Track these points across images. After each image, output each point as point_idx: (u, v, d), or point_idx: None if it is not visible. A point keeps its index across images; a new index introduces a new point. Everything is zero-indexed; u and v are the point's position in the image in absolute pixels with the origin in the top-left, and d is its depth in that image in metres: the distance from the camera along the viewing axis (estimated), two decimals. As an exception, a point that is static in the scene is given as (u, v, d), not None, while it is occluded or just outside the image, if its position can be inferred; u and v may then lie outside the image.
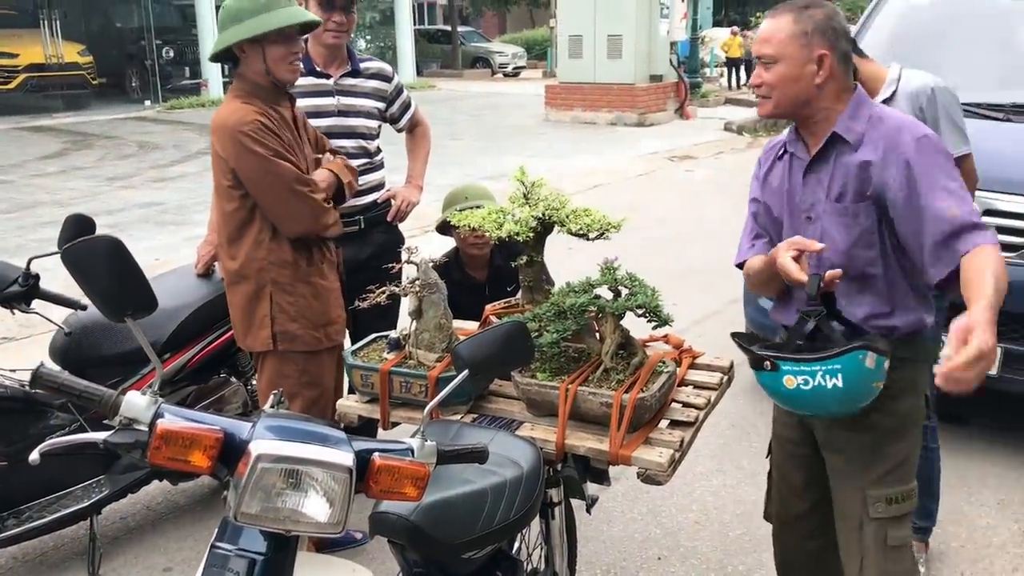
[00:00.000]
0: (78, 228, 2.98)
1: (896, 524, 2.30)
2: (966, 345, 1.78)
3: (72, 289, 3.61)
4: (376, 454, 1.61)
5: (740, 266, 2.51)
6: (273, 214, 2.79)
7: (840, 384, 2.02)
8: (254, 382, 3.66)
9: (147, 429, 1.51)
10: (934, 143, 2.14)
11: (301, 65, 2.84)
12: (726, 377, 2.68)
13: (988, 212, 3.89)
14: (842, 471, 2.36)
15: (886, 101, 3.09)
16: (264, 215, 2.80)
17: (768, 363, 2.10)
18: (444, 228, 3.50)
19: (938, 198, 2.07)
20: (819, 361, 2.03)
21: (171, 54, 20.33)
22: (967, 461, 4.10)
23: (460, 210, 3.00)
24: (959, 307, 3.27)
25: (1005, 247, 3.85)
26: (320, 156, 3.05)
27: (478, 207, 2.91)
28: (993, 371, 3.88)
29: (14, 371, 3.16)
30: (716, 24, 32.32)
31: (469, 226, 2.68)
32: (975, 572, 3.32)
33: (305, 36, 3.03)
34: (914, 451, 2.36)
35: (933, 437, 3.27)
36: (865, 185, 2.17)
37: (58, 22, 18.18)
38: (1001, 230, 3.89)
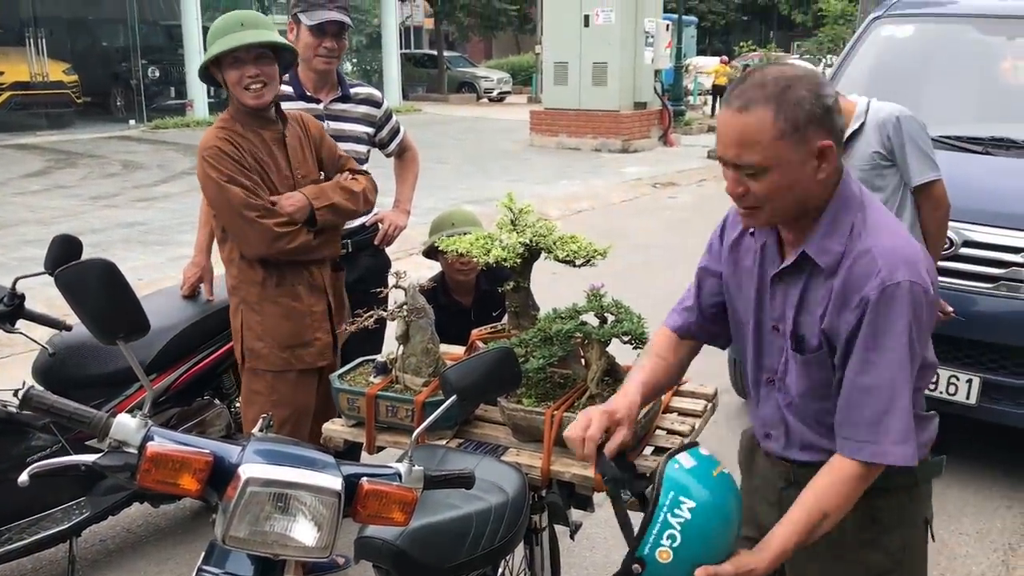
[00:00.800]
0: (65, 249, 2.98)
1: None
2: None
3: (56, 309, 3.60)
4: (364, 479, 1.62)
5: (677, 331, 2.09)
6: (231, 236, 2.92)
7: (693, 512, 1.67)
8: (237, 404, 3.66)
9: (137, 452, 1.52)
10: (910, 299, 1.65)
11: (263, 88, 2.81)
12: (710, 404, 2.70)
13: (967, 244, 3.95)
14: None
15: (854, 134, 3.16)
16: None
17: (637, 567, 1.77)
18: (431, 253, 3.52)
19: (861, 372, 1.69)
20: (654, 521, 1.74)
21: (156, 74, 20.32)
22: (946, 490, 4.12)
23: (447, 236, 3.03)
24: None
25: (981, 278, 3.95)
26: (321, 175, 3.07)
27: (465, 233, 2.94)
28: (972, 400, 3.94)
29: (-4, 391, 3.14)
30: (700, 53, 32.65)
31: (456, 252, 2.70)
32: (954, 600, 3.35)
33: (290, 61, 3.04)
34: None
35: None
36: (825, 330, 1.75)
37: (44, 40, 18.13)
38: (979, 261, 3.96)
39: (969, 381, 3.94)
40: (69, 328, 3.21)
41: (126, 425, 1.53)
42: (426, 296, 3.11)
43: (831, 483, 1.70)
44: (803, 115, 1.62)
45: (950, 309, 3.39)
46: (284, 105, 3.04)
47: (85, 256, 2.99)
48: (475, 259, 2.75)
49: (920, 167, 3.13)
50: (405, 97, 25.22)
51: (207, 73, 2.87)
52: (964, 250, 3.96)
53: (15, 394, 3.06)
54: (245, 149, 2.83)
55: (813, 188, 1.69)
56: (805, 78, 1.65)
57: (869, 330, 1.66)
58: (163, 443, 1.52)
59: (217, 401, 3.65)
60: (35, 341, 3.26)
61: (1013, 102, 5.02)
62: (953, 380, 3.97)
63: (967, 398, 3.96)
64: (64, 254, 2.97)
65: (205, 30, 19.09)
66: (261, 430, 1.70)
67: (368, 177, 3.18)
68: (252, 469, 1.51)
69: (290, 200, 2.88)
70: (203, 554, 1.66)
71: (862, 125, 3.17)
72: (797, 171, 1.65)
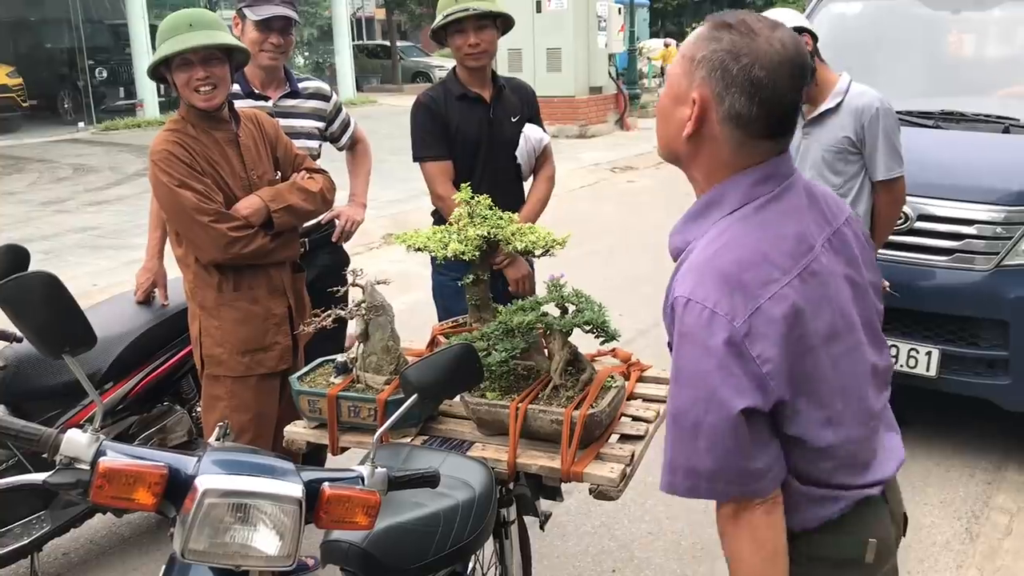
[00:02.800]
0: (11, 259, 2.91)
1: None
2: None
3: (5, 321, 3.52)
4: (326, 484, 1.59)
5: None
6: (186, 241, 2.87)
7: None
8: (198, 409, 3.60)
9: (89, 468, 1.47)
10: (688, 318, 1.42)
11: (213, 90, 2.75)
12: (674, 389, 2.69)
13: (921, 217, 3.99)
14: None
15: (829, 111, 3.17)
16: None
17: None
18: (437, 35, 3.50)
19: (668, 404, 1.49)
20: None
21: (104, 74, 19.89)
22: (909, 461, 4.14)
23: (448, 16, 3.31)
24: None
25: (937, 251, 3.99)
26: (277, 175, 3.02)
27: (466, 11, 3.26)
28: (932, 372, 3.99)
29: (-54, 407, 3.06)
30: (653, 35, 32.74)
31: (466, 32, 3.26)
32: (922, 571, 3.39)
33: (242, 61, 2.98)
34: None
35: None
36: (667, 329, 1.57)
37: (-15, 43, 17.74)
38: (934, 234, 4.00)
39: (928, 353, 3.99)
40: (20, 339, 3.13)
41: (76, 441, 1.49)
42: (440, 89, 3.47)
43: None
44: (706, 57, 1.44)
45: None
46: (235, 104, 2.98)
47: (36, 265, 2.92)
48: (480, 42, 3.31)
49: (888, 162, 3.14)
50: (359, 89, 25.00)
51: (157, 72, 2.81)
52: (919, 224, 4.00)
53: (-34, 409, 2.99)
54: (197, 152, 2.77)
55: (676, 136, 1.53)
56: (759, 38, 1.42)
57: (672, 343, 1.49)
58: (116, 458, 1.48)
59: (177, 407, 3.58)
60: (-16, 354, 3.19)
61: (961, 75, 5.08)
62: (913, 353, 4.02)
63: (927, 370, 4.01)
64: (11, 264, 2.89)
65: (152, 28, 18.78)
66: (218, 439, 1.67)
67: (325, 175, 3.13)
68: (209, 480, 1.48)
69: (246, 204, 2.83)
70: (163, 568, 1.62)
71: (839, 104, 3.17)
72: (671, 102, 1.51)
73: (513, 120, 3.54)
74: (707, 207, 1.55)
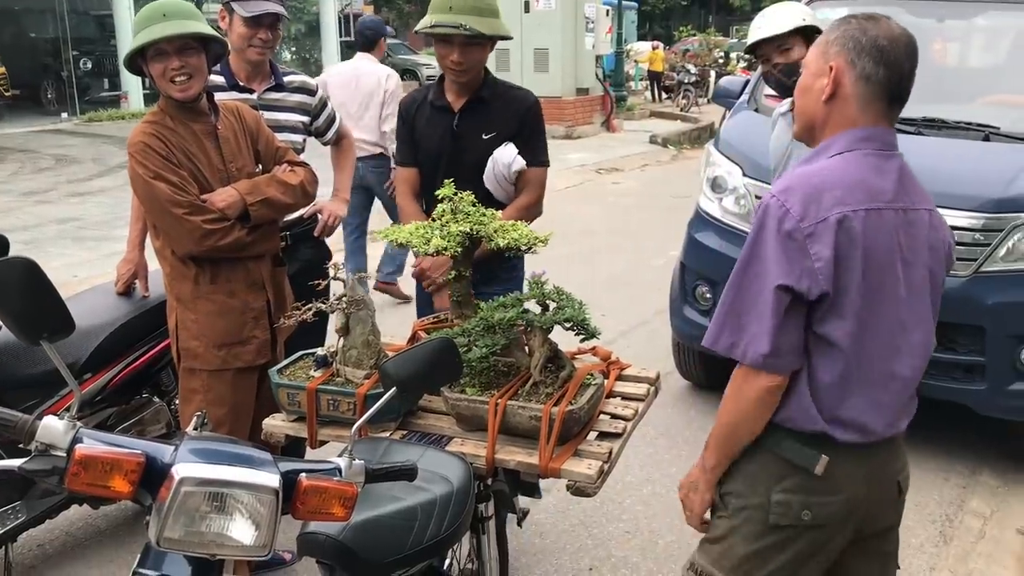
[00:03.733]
0: (-10, 247, 2.89)
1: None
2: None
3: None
4: (303, 475, 1.59)
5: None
6: (162, 233, 2.85)
7: None
8: (178, 402, 3.58)
9: (65, 455, 1.47)
10: (763, 210, 1.81)
11: (189, 80, 2.72)
12: (653, 388, 2.71)
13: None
14: None
15: None
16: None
17: None
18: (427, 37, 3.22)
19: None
20: None
21: (89, 65, 19.78)
22: (886, 464, 4.22)
23: (436, 27, 2.99)
24: None
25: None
26: (258, 168, 3.00)
27: (457, 27, 2.92)
28: (909, 376, 4.02)
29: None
30: (641, 38, 32.80)
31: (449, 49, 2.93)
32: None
33: (219, 52, 2.93)
34: (737, 547, 1.95)
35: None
36: None
37: (-33, 32, 17.60)
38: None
39: (906, 358, 4.02)
40: (-2, 328, 3.12)
41: (53, 428, 1.48)
42: (421, 92, 3.19)
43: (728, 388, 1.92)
44: (839, 36, 1.84)
45: None
46: (217, 96, 2.97)
47: (14, 254, 2.90)
48: (465, 62, 2.99)
49: None
50: (346, 86, 24.91)
51: (135, 64, 2.79)
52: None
53: (-57, 398, 2.97)
54: (174, 144, 2.75)
55: (815, 103, 1.88)
56: (882, 23, 1.83)
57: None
58: (92, 445, 1.48)
59: (156, 399, 3.57)
60: (-38, 343, 3.16)
61: (944, 83, 5.12)
62: (890, 357, 4.05)
63: (904, 374, 4.04)
64: (-11, 253, 2.88)
65: (138, 20, 18.66)
66: (196, 428, 1.67)
67: (307, 169, 3.11)
68: (186, 468, 1.48)
69: (221, 196, 2.79)
70: (139, 556, 1.62)
71: None
72: (812, 79, 1.88)
73: (485, 137, 3.09)
74: (817, 153, 1.89)
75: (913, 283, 1.86)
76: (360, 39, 6.45)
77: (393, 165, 5.53)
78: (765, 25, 3.09)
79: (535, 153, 3.17)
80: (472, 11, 2.96)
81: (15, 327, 1.55)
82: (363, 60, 6.32)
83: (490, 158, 3.10)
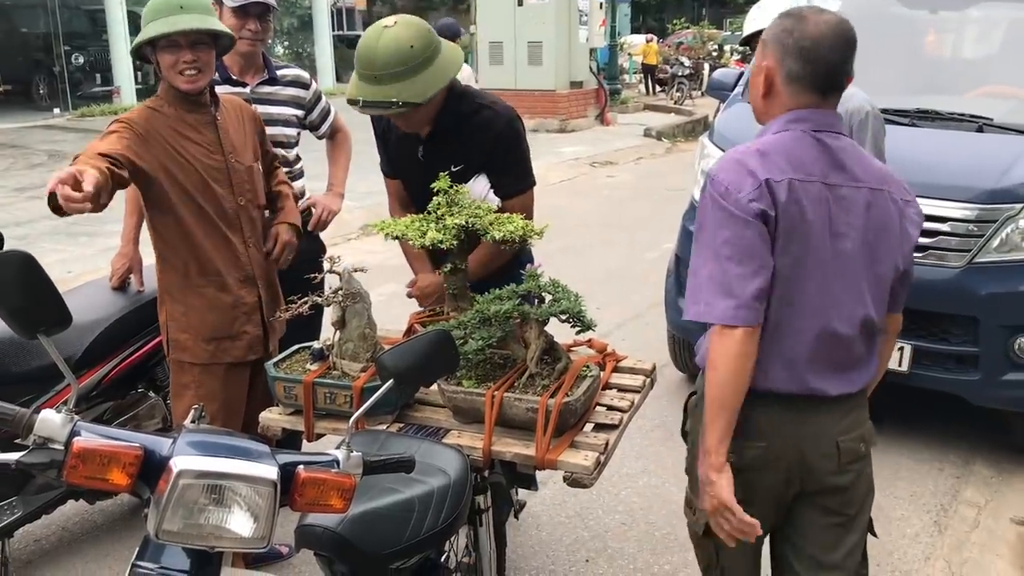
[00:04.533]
0: (-15, 242, 2.88)
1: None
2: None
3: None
4: (301, 467, 1.60)
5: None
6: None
7: None
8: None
9: (63, 448, 1.47)
10: (710, 189, 1.97)
11: (199, 74, 2.71)
12: (649, 380, 2.72)
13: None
14: None
15: None
16: (152, 220, 2.82)
17: None
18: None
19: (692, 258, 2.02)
20: None
21: (81, 60, 19.65)
22: (881, 455, 4.20)
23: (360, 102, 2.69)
24: None
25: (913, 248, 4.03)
26: (257, 166, 2.99)
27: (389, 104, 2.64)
28: (904, 368, 4.04)
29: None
30: (635, 31, 32.77)
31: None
32: (891, 563, 3.44)
33: (227, 46, 2.89)
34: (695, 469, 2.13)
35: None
36: None
37: (-42, 28, 17.48)
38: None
39: (901, 349, 4.04)
40: (-8, 323, 3.11)
41: (51, 421, 1.49)
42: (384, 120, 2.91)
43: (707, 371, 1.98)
44: (772, 37, 2.02)
45: None
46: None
47: (7, 249, 2.90)
48: (412, 127, 2.78)
49: None
50: (339, 79, 24.86)
51: (140, 51, 2.75)
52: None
53: (-62, 394, 2.97)
54: (163, 124, 2.72)
55: (756, 97, 2.09)
56: (808, 20, 1.98)
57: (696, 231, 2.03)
58: (90, 438, 1.48)
59: (152, 394, 3.56)
60: (-43, 338, 3.15)
61: (937, 74, 5.14)
62: (885, 348, 4.07)
63: (899, 365, 4.06)
64: (-16, 248, 2.87)
65: (130, 14, 18.62)
66: (193, 421, 1.67)
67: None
68: (184, 461, 1.48)
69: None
70: (137, 549, 1.62)
71: None
72: (755, 73, 2.07)
73: (453, 169, 2.79)
74: (759, 136, 2.06)
75: (842, 253, 1.98)
76: (442, 36, 6.80)
77: None
78: (761, 16, 3.10)
79: (513, 182, 2.92)
80: (399, 76, 2.63)
81: (12, 321, 1.55)
82: None
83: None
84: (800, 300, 1.96)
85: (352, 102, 2.72)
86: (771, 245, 1.92)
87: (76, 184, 2.17)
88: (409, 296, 3.15)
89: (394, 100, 2.63)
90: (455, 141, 2.86)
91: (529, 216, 2.80)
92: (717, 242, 1.93)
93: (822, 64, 1.96)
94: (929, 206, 4.01)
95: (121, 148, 2.56)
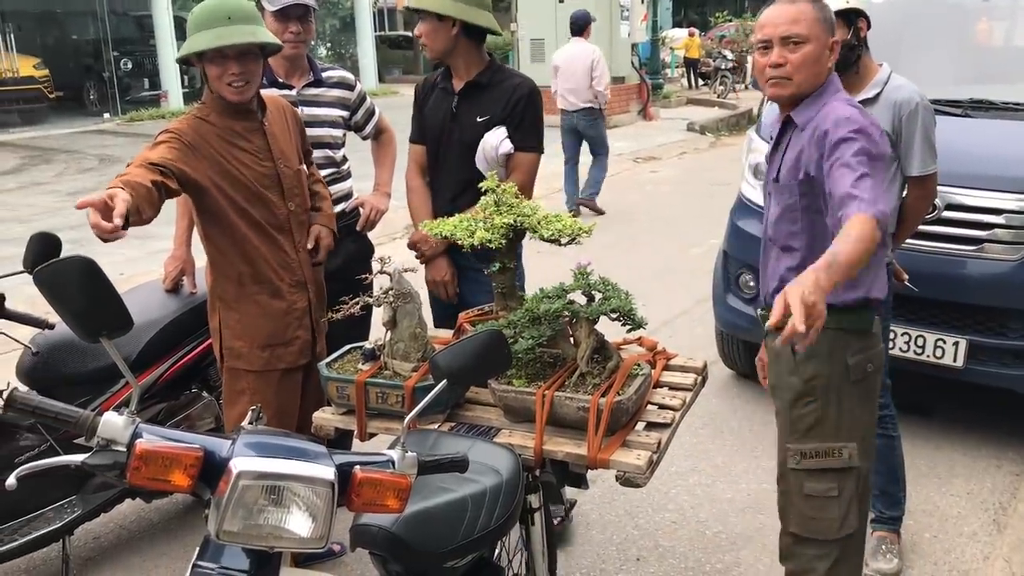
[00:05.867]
0: (43, 246, 2.93)
1: (813, 476, 2.45)
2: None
3: (37, 308, 3.56)
4: (357, 467, 1.61)
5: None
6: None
7: None
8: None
9: (125, 450, 1.50)
10: (850, 123, 2.24)
11: (246, 85, 2.71)
12: (700, 377, 2.70)
13: (949, 206, 3.96)
14: (777, 423, 2.58)
15: (868, 101, 3.14)
16: (205, 229, 2.84)
17: None
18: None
19: (836, 170, 2.19)
20: None
21: (129, 66, 20.02)
22: (936, 452, 4.16)
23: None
24: (900, 296, 3.46)
25: (965, 240, 3.96)
26: (303, 168, 3.01)
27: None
28: (959, 363, 3.96)
29: (-20, 392, 3.10)
30: (676, 25, 32.52)
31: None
32: (948, 562, 3.38)
33: (272, 52, 2.89)
34: (831, 413, 2.42)
35: (893, 425, 3.33)
36: (797, 166, 2.36)
37: (12, 36, 17.87)
38: (962, 224, 3.97)
39: (956, 344, 3.96)
40: (52, 326, 3.18)
41: (113, 423, 1.51)
42: (436, 75, 3.42)
43: (847, 225, 2.06)
44: (829, 16, 2.36)
45: (905, 277, 3.41)
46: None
47: (64, 253, 2.96)
48: (420, 35, 3.24)
49: (924, 158, 3.10)
50: (381, 80, 25.06)
51: (186, 58, 2.74)
52: (947, 213, 3.97)
53: None
54: (210, 132, 2.73)
55: (823, 71, 2.35)
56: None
57: (832, 146, 2.23)
58: (152, 440, 1.51)
59: (205, 394, 3.62)
60: (18, 341, 3.23)
61: (990, 64, 5.02)
62: (940, 343, 3.99)
63: (954, 360, 3.98)
64: (43, 252, 2.92)
65: (176, 20, 18.91)
66: (251, 422, 1.68)
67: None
68: (243, 462, 1.50)
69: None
70: (198, 549, 1.64)
71: (877, 95, 3.12)
72: (821, 50, 2.32)
73: (479, 120, 3.22)
74: (820, 95, 2.37)
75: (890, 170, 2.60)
76: (573, 27, 9.47)
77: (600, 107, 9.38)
78: None
79: (525, 138, 3.26)
80: None
81: (75, 324, 1.58)
82: (576, 42, 9.34)
83: (481, 140, 3.23)
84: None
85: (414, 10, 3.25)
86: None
87: (107, 211, 2.16)
88: (409, 246, 3.39)
89: (431, 9, 3.17)
90: (486, 96, 3.27)
91: (531, 179, 3.30)
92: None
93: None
94: (984, 198, 3.95)
95: (172, 158, 2.58)
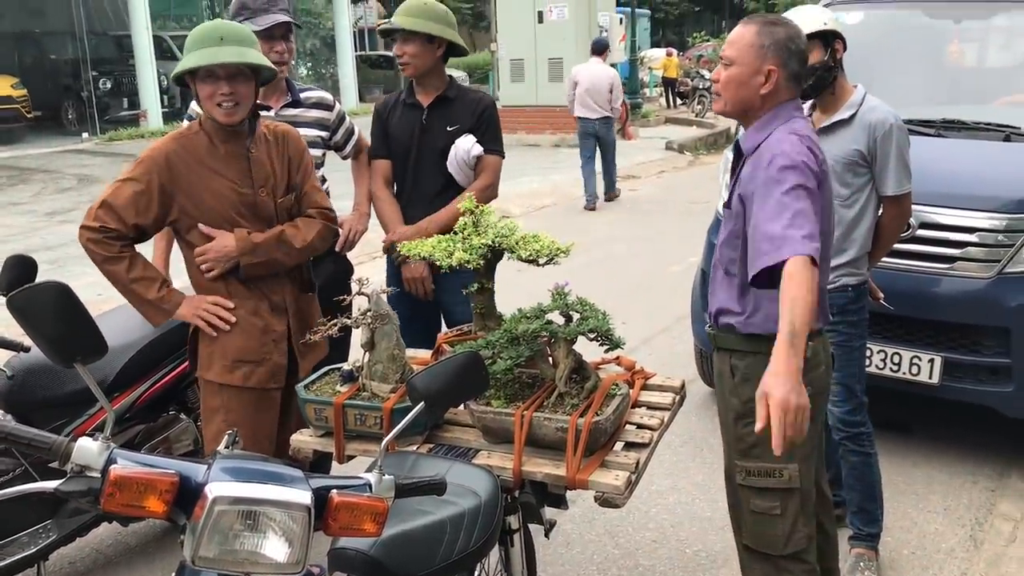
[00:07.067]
0: (19, 269, 2.92)
1: (758, 494, 2.48)
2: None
3: (12, 330, 3.53)
4: (334, 491, 1.60)
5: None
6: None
7: None
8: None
9: (100, 476, 1.49)
10: (785, 157, 2.28)
11: (235, 107, 2.71)
12: (678, 397, 2.71)
13: (923, 225, 4.00)
14: (723, 438, 2.63)
15: (842, 122, 3.18)
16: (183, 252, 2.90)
17: None
18: (387, 33, 3.64)
19: (764, 208, 2.25)
20: None
21: (108, 85, 19.95)
22: (913, 468, 4.19)
23: (380, 27, 3.48)
24: (876, 314, 3.48)
25: (939, 259, 4.00)
26: (291, 197, 2.95)
27: (392, 27, 3.48)
28: (934, 380, 4.00)
29: (-47, 417, 3.07)
30: (654, 45, 32.78)
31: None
32: (926, 578, 3.40)
33: (268, 78, 2.90)
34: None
35: (870, 443, 3.35)
36: (738, 191, 2.42)
37: (-10, 55, 17.80)
38: (936, 242, 4.02)
39: (931, 361, 4.00)
40: (27, 350, 3.15)
41: (88, 449, 1.50)
42: (395, 94, 3.71)
43: (788, 279, 2.11)
44: (773, 44, 2.36)
45: (881, 295, 3.45)
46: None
47: (41, 276, 2.94)
48: (403, 54, 3.49)
49: (899, 178, 3.14)
50: (361, 99, 25.07)
51: (181, 78, 2.77)
52: (921, 232, 4.01)
53: (-28, 419, 3.01)
54: (190, 155, 2.75)
55: (753, 95, 2.40)
56: (789, 27, 2.40)
57: (763, 184, 2.29)
58: (127, 465, 1.50)
59: (183, 416, 3.59)
60: (-8, 364, 3.20)
61: (962, 84, 5.10)
62: (915, 360, 4.03)
63: (929, 377, 4.01)
64: (19, 275, 2.92)
65: (155, 39, 18.90)
66: (227, 446, 1.67)
67: (323, 226, 3.01)
68: (219, 487, 1.49)
69: (216, 247, 2.79)
70: (173, 575, 1.63)
71: (852, 116, 3.16)
72: (747, 74, 2.38)
73: (449, 129, 3.56)
74: (768, 122, 2.41)
75: (828, 199, 2.46)
76: (594, 48, 11.45)
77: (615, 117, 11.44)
78: (808, 19, 3.08)
79: (490, 143, 3.63)
80: (414, 14, 3.47)
81: (49, 350, 1.57)
82: (596, 63, 11.15)
83: (452, 146, 3.55)
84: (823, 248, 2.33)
85: (386, 32, 3.60)
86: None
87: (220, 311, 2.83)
88: (384, 249, 3.63)
89: (402, 25, 3.44)
90: (452, 108, 3.61)
91: (498, 178, 3.67)
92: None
93: (806, 62, 2.46)
94: (957, 216, 4.00)
95: (132, 213, 2.73)
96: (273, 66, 2.88)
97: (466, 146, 3.55)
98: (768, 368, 2.00)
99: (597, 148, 11.22)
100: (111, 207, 2.72)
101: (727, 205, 2.48)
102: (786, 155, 2.28)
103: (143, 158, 2.75)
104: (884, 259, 3.51)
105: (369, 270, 6.16)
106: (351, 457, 2.56)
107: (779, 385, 1.96)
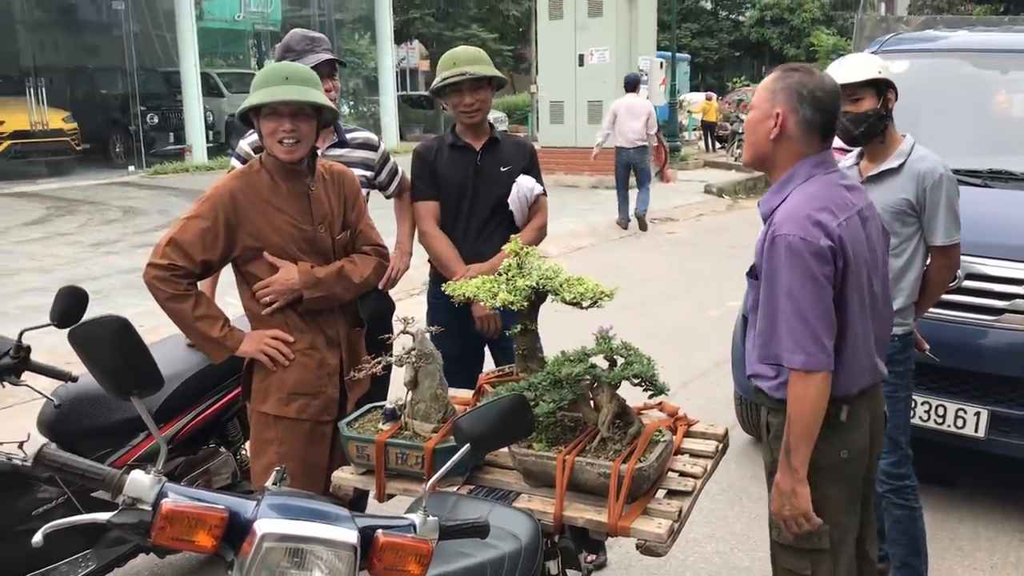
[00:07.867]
0: (71, 300, 2.97)
1: (787, 553, 2.45)
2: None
3: (59, 359, 3.59)
4: (380, 531, 1.60)
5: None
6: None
7: None
8: (243, 451, 3.63)
9: (151, 509, 1.50)
10: (786, 247, 2.23)
11: (296, 144, 2.77)
12: (721, 445, 2.68)
13: (970, 276, 3.95)
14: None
15: (891, 171, 3.17)
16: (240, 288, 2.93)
17: None
18: (438, 93, 3.69)
19: (767, 299, 2.30)
20: None
21: (155, 120, 20.40)
22: (958, 524, 4.10)
23: (445, 79, 3.54)
24: (921, 364, 3.39)
25: (986, 310, 3.95)
26: (346, 234, 3.01)
27: (463, 75, 3.51)
28: (980, 433, 3.92)
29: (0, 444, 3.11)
30: (694, 89, 32.90)
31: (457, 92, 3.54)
32: (972, 638, 3.31)
33: (330, 119, 2.98)
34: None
35: (915, 497, 3.29)
36: (756, 261, 2.40)
37: (43, 89, 18.22)
38: (983, 293, 3.96)
39: (977, 414, 3.93)
40: (75, 379, 3.20)
41: (140, 482, 1.52)
42: (436, 140, 3.80)
43: (788, 391, 2.27)
44: (784, 87, 2.31)
45: (926, 347, 3.40)
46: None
47: (90, 306, 2.99)
48: (476, 102, 3.58)
49: (948, 228, 3.13)
50: (402, 138, 25.38)
51: (247, 116, 2.85)
52: (968, 283, 3.96)
53: (20, 446, 3.05)
54: (253, 192, 2.81)
55: (763, 140, 2.35)
56: (809, 75, 2.33)
57: (769, 271, 2.29)
58: (178, 500, 1.51)
59: (223, 449, 3.62)
60: (40, 393, 3.24)
61: (1009, 135, 5.05)
62: (961, 413, 3.96)
63: (975, 431, 3.94)
64: (70, 306, 2.96)
65: (203, 76, 19.31)
66: (275, 483, 1.69)
67: (377, 263, 3.08)
68: (267, 524, 1.50)
69: (281, 280, 2.84)
70: (218, 611, 1.64)
71: (901, 166, 3.16)
72: (761, 117, 2.35)
73: (503, 169, 3.70)
74: (785, 183, 2.36)
75: (876, 264, 2.41)
76: (627, 86, 12.30)
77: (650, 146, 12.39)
78: (840, 74, 3.09)
79: (541, 183, 3.82)
80: (472, 62, 3.58)
81: (107, 383, 1.60)
82: (631, 97, 12.05)
83: (514, 184, 3.69)
84: (859, 316, 2.34)
85: (443, 88, 3.62)
86: (844, 282, 2.27)
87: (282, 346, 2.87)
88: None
89: (467, 71, 3.55)
90: (500, 150, 3.75)
91: (547, 217, 3.84)
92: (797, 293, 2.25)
93: (831, 113, 2.33)
94: (1005, 267, 3.95)
95: (200, 250, 2.78)
96: (334, 107, 2.94)
97: (529, 184, 3.70)
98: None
99: (632, 176, 11.99)
100: (179, 244, 2.77)
101: (750, 274, 2.44)
102: (787, 239, 2.23)
103: (208, 196, 2.81)
104: (930, 310, 3.47)
105: (410, 307, 6.20)
106: (391, 496, 2.56)
107: (775, 497, 2.31)
